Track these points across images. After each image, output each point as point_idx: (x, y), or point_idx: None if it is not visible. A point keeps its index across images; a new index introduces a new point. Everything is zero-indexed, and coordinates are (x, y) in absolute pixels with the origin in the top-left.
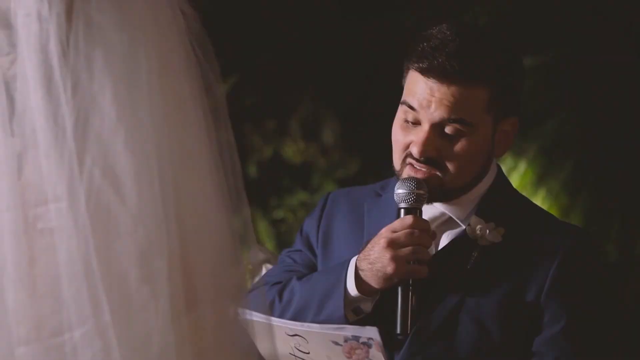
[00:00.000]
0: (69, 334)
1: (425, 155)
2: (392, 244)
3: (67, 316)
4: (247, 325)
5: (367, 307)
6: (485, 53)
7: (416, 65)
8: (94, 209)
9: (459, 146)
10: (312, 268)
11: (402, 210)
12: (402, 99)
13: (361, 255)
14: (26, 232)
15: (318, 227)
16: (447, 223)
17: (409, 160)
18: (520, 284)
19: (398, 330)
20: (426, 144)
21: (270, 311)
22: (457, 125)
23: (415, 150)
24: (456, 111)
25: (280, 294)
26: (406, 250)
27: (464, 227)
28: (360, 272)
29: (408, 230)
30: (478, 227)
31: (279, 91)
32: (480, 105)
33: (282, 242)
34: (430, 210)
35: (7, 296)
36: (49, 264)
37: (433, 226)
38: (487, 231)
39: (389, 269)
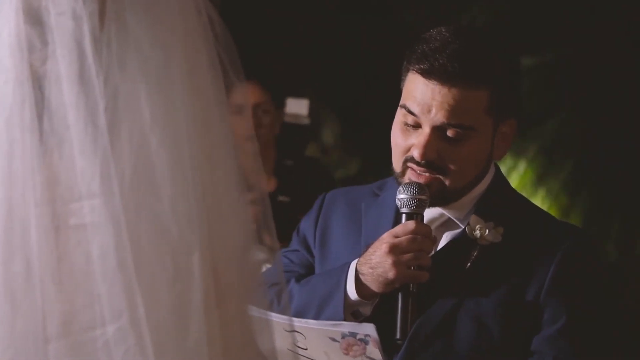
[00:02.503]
0: (101, 329)
1: (426, 159)
2: (394, 250)
3: (100, 311)
4: (264, 320)
5: (366, 310)
6: (485, 55)
7: (417, 67)
8: (128, 206)
9: (460, 149)
10: (309, 268)
11: (404, 216)
12: (401, 102)
13: (362, 259)
14: (56, 228)
15: (315, 227)
16: (446, 224)
17: (410, 164)
18: (519, 284)
19: (398, 336)
20: (427, 147)
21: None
22: (458, 129)
23: (416, 154)
24: (457, 115)
25: (279, 296)
26: (408, 256)
27: (462, 227)
28: (361, 277)
29: (410, 236)
30: (477, 226)
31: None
32: (481, 107)
33: None
34: (429, 212)
35: (36, 291)
36: (81, 260)
37: (432, 227)
38: (487, 231)
39: (391, 274)
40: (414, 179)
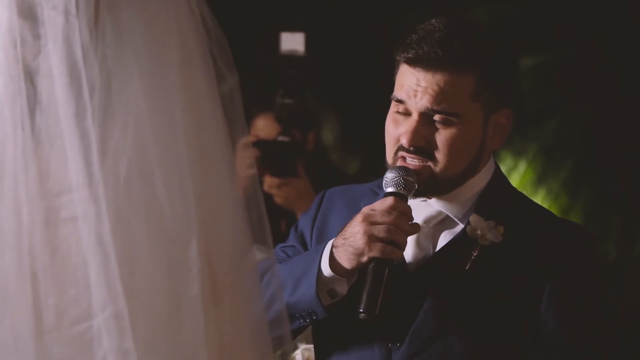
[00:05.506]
0: (87, 322)
1: (414, 145)
2: (367, 219)
3: (88, 304)
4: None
5: (342, 289)
6: (469, 41)
7: (403, 55)
8: (123, 197)
9: (446, 135)
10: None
11: (388, 195)
12: (392, 95)
13: (339, 234)
14: (49, 221)
15: (313, 224)
16: (444, 222)
17: (400, 153)
18: (520, 285)
19: (361, 308)
20: (414, 133)
21: None
22: (443, 115)
23: (404, 140)
24: (441, 100)
25: (262, 277)
26: (380, 227)
27: (462, 225)
28: (334, 250)
29: (386, 208)
30: (479, 225)
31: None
32: (466, 93)
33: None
34: (427, 209)
35: (27, 284)
36: (70, 252)
37: (430, 225)
38: (488, 230)
39: (360, 242)
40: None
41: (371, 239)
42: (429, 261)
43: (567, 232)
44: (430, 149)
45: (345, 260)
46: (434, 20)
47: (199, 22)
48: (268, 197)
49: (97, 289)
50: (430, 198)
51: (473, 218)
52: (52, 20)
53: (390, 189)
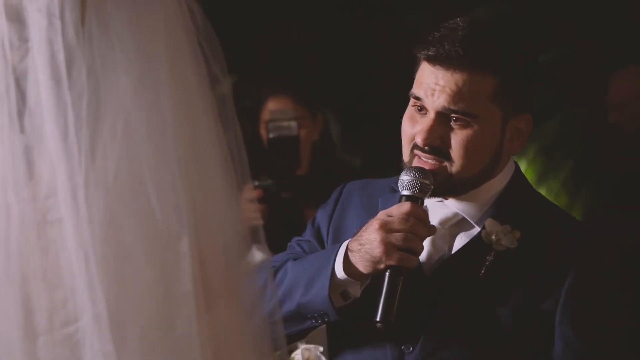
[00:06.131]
0: (75, 324)
1: (428, 144)
2: (384, 227)
3: (74, 307)
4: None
5: (355, 291)
6: (493, 42)
7: (424, 53)
8: (113, 198)
9: (462, 136)
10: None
11: (404, 198)
12: (410, 91)
13: (354, 237)
14: (37, 223)
15: (330, 220)
16: (460, 224)
17: (415, 151)
18: (535, 292)
19: (378, 318)
20: (430, 132)
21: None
22: (460, 115)
23: (419, 139)
24: (459, 100)
25: (275, 274)
26: (398, 235)
27: (478, 228)
28: (350, 254)
29: (403, 216)
30: (494, 230)
31: None
32: (484, 94)
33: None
34: (443, 210)
35: (16, 287)
36: (58, 255)
37: (446, 227)
38: (503, 235)
39: (377, 251)
40: (420, 166)
41: (388, 247)
42: (444, 264)
43: (586, 239)
44: (445, 149)
45: (362, 266)
46: (458, 19)
47: (187, 18)
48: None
49: (79, 291)
50: (446, 199)
51: (488, 222)
52: (37, 22)
53: (406, 192)
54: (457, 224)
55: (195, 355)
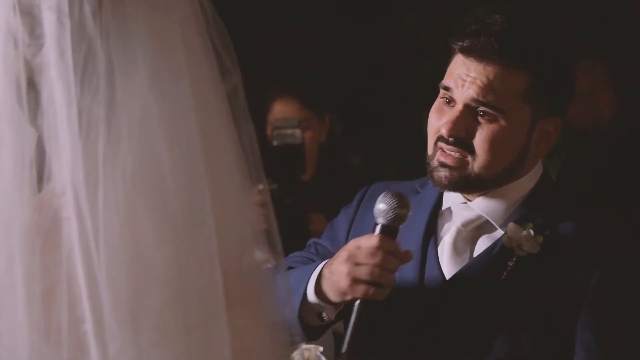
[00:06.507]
0: (82, 326)
1: (453, 135)
2: (351, 260)
3: (81, 308)
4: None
5: (329, 314)
6: (530, 39)
7: (458, 44)
8: (129, 191)
9: (489, 131)
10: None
11: (378, 227)
12: (440, 82)
13: (329, 261)
14: (52, 221)
15: (352, 220)
16: (483, 227)
17: (439, 143)
18: (557, 299)
19: (344, 349)
20: (456, 123)
21: None
22: (487, 109)
23: (444, 130)
24: (488, 93)
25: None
26: (364, 269)
27: (501, 232)
28: (322, 279)
29: (371, 249)
30: (516, 235)
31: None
32: (516, 91)
33: None
34: (466, 212)
35: (18, 288)
36: (71, 252)
37: (468, 229)
38: (525, 241)
39: (343, 284)
40: (443, 159)
41: (354, 281)
42: (465, 268)
43: (611, 243)
44: (470, 142)
45: (331, 294)
46: (497, 16)
47: (198, 11)
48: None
49: (84, 294)
50: (470, 200)
51: (511, 227)
52: (48, 19)
53: (380, 220)
54: (480, 227)
55: (223, 350)
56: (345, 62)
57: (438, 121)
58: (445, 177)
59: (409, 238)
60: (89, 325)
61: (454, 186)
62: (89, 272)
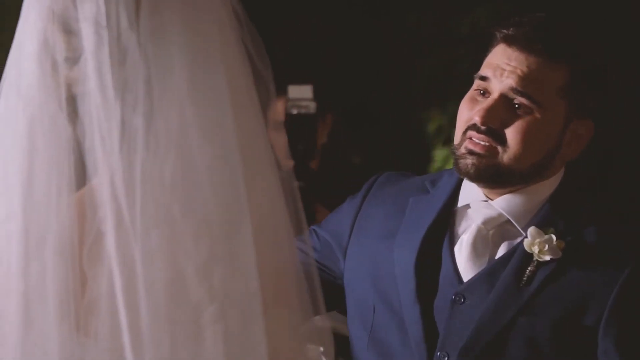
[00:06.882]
0: (117, 339)
1: (486, 123)
2: None
3: (118, 322)
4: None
5: None
6: (575, 35)
7: (503, 32)
8: (167, 198)
9: (523, 122)
10: (322, 252)
11: None
12: (476, 73)
13: None
14: (95, 233)
15: (358, 209)
16: (504, 228)
17: (469, 132)
18: (578, 306)
19: None
20: (491, 111)
21: None
22: (524, 100)
23: (477, 117)
24: (527, 84)
25: None
26: None
27: (522, 234)
28: None
29: None
30: (537, 240)
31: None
32: (555, 85)
33: None
34: (487, 210)
35: (50, 298)
36: (106, 265)
37: (489, 228)
38: (546, 246)
39: None
40: (471, 147)
41: None
42: (484, 271)
43: (633, 253)
44: (502, 133)
45: None
46: (542, 13)
47: (232, 17)
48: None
49: (121, 306)
50: (492, 198)
51: (532, 231)
52: (86, 32)
53: None
54: (502, 228)
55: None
56: (345, 62)
57: (470, 111)
58: (473, 165)
59: (412, 240)
60: (126, 337)
61: (481, 175)
62: (128, 285)
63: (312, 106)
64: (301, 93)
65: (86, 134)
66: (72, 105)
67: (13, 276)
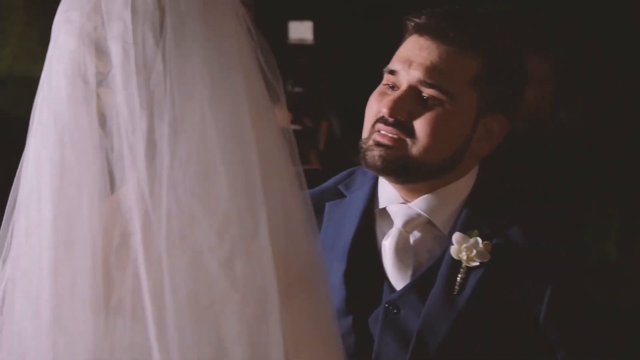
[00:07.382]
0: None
1: (394, 114)
2: None
3: (145, 325)
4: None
5: None
6: (487, 26)
7: (413, 23)
8: (191, 205)
9: (432, 115)
10: None
11: None
12: (385, 67)
13: None
14: (121, 236)
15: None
16: (425, 229)
17: (377, 125)
18: (514, 306)
19: None
20: (398, 102)
21: None
22: (433, 92)
23: (384, 109)
24: (437, 74)
25: None
26: None
27: (444, 235)
28: None
29: None
30: (463, 246)
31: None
32: (466, 75)
33: None
34: (406, 212)
35: (79, 304)
36: (136, 268)
37: (409, 230)
38: (474, 251)
39: None
40: (379, 139)
41: None
42: (415, 282)
43: (560, 245)
44: (410, 126)
45: None
46: (457, 6)
47: (247, 32)
48: None
49: (149, 309)
50: (409, 200)
51: (457, 237)
52: (114, 49)
53: None
54: (424, 230)
55: (278, 348)
56: (345, 62)
57: (378, 104)
58: (380, 156)
59: (337, 249)
60: (152, 335)
61: (388, 167)
62: (154, 284)
63: (310, 38)
64: (302, 32)
65: (114, 145)
66: (101, 118)
67: (45, 279)
